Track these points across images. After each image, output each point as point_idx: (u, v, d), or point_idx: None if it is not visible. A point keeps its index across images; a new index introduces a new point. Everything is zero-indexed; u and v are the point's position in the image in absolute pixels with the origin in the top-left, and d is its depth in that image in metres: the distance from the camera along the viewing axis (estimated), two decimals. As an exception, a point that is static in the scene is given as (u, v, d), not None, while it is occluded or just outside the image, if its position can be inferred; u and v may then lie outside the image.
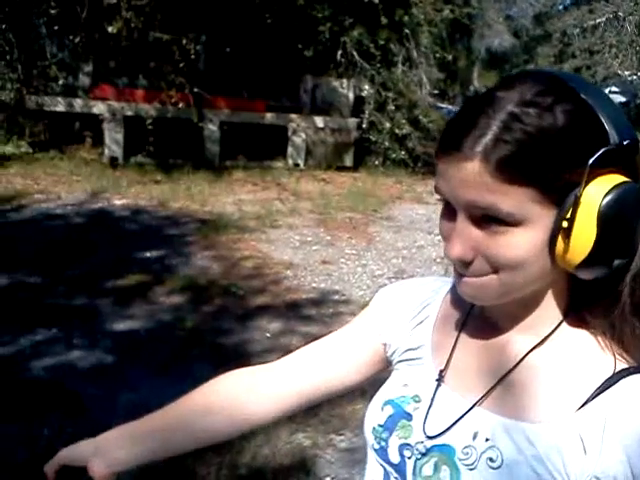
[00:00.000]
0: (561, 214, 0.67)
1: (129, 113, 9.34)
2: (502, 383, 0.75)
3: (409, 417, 0.81)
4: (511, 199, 0.66)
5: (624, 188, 0.66)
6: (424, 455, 0.78)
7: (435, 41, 11.17)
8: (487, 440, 0.73)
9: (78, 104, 9.62)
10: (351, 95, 11.03)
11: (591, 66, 15.66)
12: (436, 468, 0.76)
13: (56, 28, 9.21)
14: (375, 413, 0.85)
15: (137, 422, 0.95)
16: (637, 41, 14.50)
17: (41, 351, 3.56)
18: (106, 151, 9.30)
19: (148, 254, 5.45)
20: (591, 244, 0.66)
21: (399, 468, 0.81)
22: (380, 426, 0.83)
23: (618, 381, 0.69)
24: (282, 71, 10.75)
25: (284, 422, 2.78)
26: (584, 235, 0.67)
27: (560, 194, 0.66)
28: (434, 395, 0.80)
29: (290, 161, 10.31)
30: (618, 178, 0.67)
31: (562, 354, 0.74)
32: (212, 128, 9.87)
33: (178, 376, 3.41)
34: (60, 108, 9.61)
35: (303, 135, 10.30)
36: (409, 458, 0.80)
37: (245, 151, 10.07)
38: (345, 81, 11.01)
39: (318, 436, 2.92)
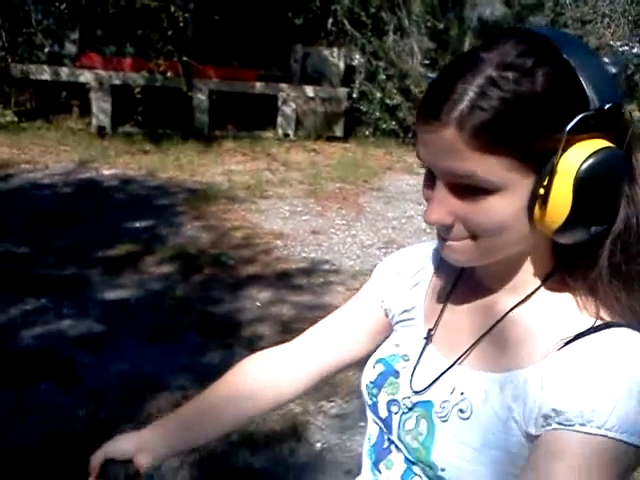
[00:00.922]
0: (539, 181, 0.66)
1: (117, 82, 9.20)
2: (483, 340, 0.78)
3: (397, 374, 0.85)
4: (488, 167, 0.66)
5: (603, 154, 0.66)
6: (410, 410, 0.81)
7: (427, 10, 11.05)
8: (462, 394, 0.76)
9: (64, 73, 9.46)
10: (342, 64, 10.92)
11: (583, 36, 15.54)
12: (417, 422, 0.79)
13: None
14: (368, 371, 0.89)
15: (173, 415, 1.02)
16: (629, 11, 14.39)
17: (31, 320, 3.55)
18: (94, 120, 9.18)
19: (137, 224, 5.42)
20: (567, 211, 0.66)
21: (387, 423, 0.84)
22: (371, 383, 0.87)
23: (591, 333, 0.69)
24: (272, 40, 10.61)
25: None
26: (560, 203, 0.66)
27: (538, 161, 0.66)
28: (421, 353, 0.83)
29: (280, 131, 10.23)
30: (598, 144, 0.66)
31: (541, 313, 0.75)
32: (201, 97, 9.76)
33: (169, 344, 3.43)
34: (46, 77, 9.45)
35: (293, 105, 10.21)
36: (396, 413, 0.83)
37: (235, 121, 9.98)
38: (336, 50, 10.89)
39: (309, 403, 2.95)
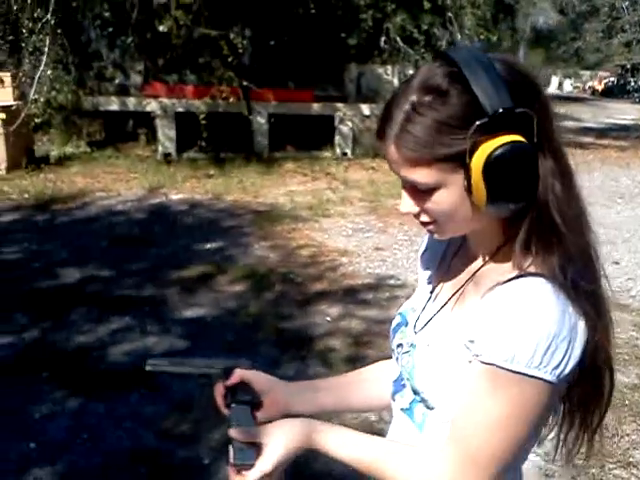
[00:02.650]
0: (464, 175, 0.86)
1: (180, 109, 9.61)
2: (460, 290, 1.00)
3: (406, 323, 1.08)
4: (423, 175, 0.87)
5: (501, 151, 0.83)
6: (408, 349, 1.03)
7: (478, 23, 11.07)
8: (434, 330, 1.00)
9: (131, 102, 9.95)
10: (396, 81, 11.06)
11: (642, 40, 15.24)
12: (409, 358, 1.02)
13: (110, 30, 9.50)
14: (392, 322, 1.12)
15: (319, 380, 1.21)
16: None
17: (117, 338, 3.79)
18: (160, 147, 9.60)
19: (208, 245, 5.66)
20: (484, 194, 0.85)
21: (398, 361, 1.07)
22: (392, 330, 1.11)
23: (510, 281, 0.88)
24: (327, 60, 10.85)
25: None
26: (478, 189, 0.85)
27: (460, 160, 0.85)
28: (425, 306, 1.07)
29: (338, 150, 10.43)
30: (501, 140, 0.83)
31: (494, 270, 0.94)
32: (260, 121, 10.06)
33: (246, 357, 3.59)
34: (114, 107, 9.96)
35: (350, 124, 10.40)
36: (402, 353, 1.05)
37: (294, 142, 10.24)
38: (389, 67, 11.05)
39: (384, 412, 3.05)
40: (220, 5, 9.33)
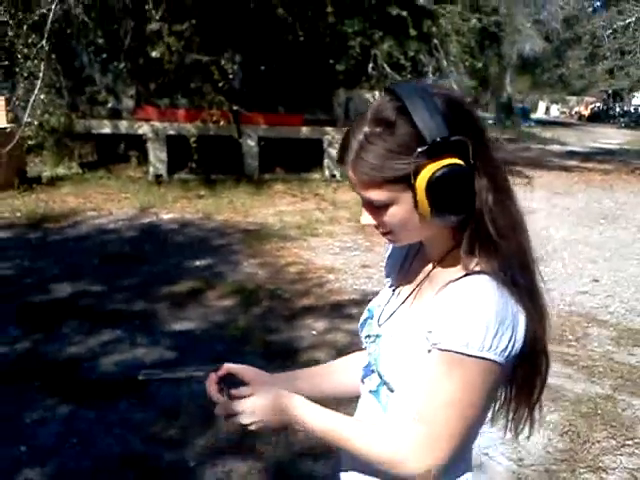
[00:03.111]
0: (412, 194, 1.00)
1: (171, 132, 9.78)
2: (417, 289, 1.15)
3: (372, 317, 1.22)
4: (376, 194, 1.01)
5: (441, 172, 0.97)
6: (375, 339, 1.17)
7: (464, 50, 11.36)
8: (396, 322, 1.14)
9: (123, 126, 10.11)
10: (384, 106, 11.28)
11: (624, 66, 15.62)
12: (375, 345, 1.16)
13: (104, 56, 9.70)
14: (361, 317, 1.25)
15: (297, 371, 1.34)
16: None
17: (108, 349, 3.89)
18: (151, 169, 9.75)
19: (198, 263, 5.78)
20: (428, 211, 0.99)
21: (367, 350, 1.20)
22: (360, 325, 1.24)
23: (460, 279, 1.02)
24: (316, 86, 11.09)
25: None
26: (423, 204, 0.99)
27: (407, 181, 0.99)
28: (387, 302, 1.21)
29: (327, 172, 10.61)
30: (439, 164, 0.97)
31: (446, 270, 1.08)
32: (250, 144, 10.25)
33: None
34: (106, 130, 10.12)
35: (338, 147, 10.59)
36: (369, 343, 1.19)
37: (283, 164, 10.42)
38: (377, 93, 11.27)
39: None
40: (211, 32, 9.55)
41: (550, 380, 3.43)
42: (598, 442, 3.16)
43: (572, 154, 17.85)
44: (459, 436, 1.02)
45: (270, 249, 6.38)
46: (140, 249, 6.08)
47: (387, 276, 1.27)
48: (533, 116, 34.38)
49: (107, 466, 2.76)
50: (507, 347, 0.99)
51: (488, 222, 1.01)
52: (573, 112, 43.91)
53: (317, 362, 3.79)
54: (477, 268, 1.02)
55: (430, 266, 1.14)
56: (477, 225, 1.02)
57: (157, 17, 8.77)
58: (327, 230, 7.29)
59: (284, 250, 6.37)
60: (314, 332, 4.33)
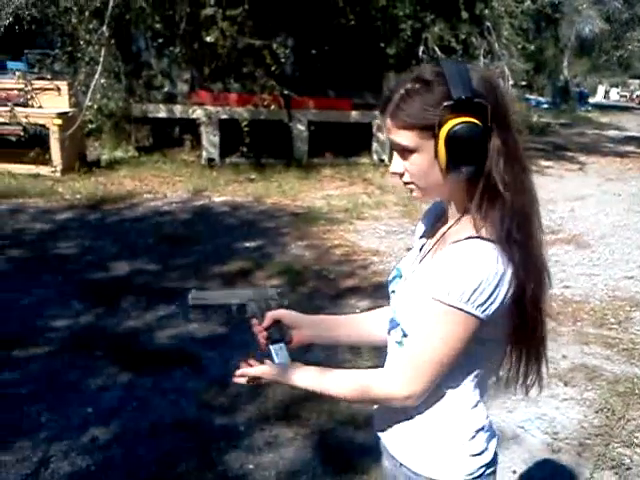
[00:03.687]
0: (434, 143, 1.17)
1: (224, 116, 10.02)
2: (434, 247, 1.32)
3: (400, 275, 1.39)
4: (406, 138, 1.20)
5: (460, 126, 1.14)
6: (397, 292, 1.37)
7: (517, 32, 11.21)
8: (412, 279, 1.32)
9: (178, 110, 10.40)
10: (434, 90, 11.26)
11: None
12: (394, 296, 1.36)
13: (161, 41, 9.98)
14: (390, 275, 1.44)
15: (334, 317, 1.56)
16: None
17: (163, 324, 4.15)
18: (204, 153, 10.02)
19: (247, 244, 6.01)
20: (445, 159, 1.16)
21: (391, 305, 1.38)
22: (389, 281, 1.43)
23: (458, 242, 1.19)
24: (366, 69, 11.13)
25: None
26: (442, 153, 1.16)
27: (432, 130, 1.16)
28: (414, 260, 1.38)
29: (375, 157, 10.70)
30: (461, 119, 1.14)
31: (456, 232, 1.24)
32: (300, 128, 10.40)
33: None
34: (162, 114, 10.43)
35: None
36: (393, 297, 1.38)
37: (332, 148, 10.54)
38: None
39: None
40: (264, 16, 9.71)
41: (588, 360, 3.59)
42: (633, 420, 3.25)
43: (629, 139, 17.39)
44: (434, 369, 1.21)
45: (317, 232, 6.56)
46: (193, 230, 6.35)
47: (417, 237, 1.44)
48: (591, 100, 33.42)
49: (164, 428, 3.01)
50: (485, 303, 1.15)
51: (497, 179, 1.17)
52: (634, 96, 42.45)
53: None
54: (482, 233, 1.18)
55: (445, 228, 1.30)
56: (487, 181, 1.18)
57: (211, 2, 8.98)
58: (373, 214, 7.42)
59: (330, 233, 6.54)
60: (357, 310, 4.49)
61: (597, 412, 3.33)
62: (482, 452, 1.31)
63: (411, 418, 1.31)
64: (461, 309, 1.16)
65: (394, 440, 1.38)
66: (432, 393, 1.25)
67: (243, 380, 1.37)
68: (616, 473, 2.84)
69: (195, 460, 2.79)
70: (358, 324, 1.55)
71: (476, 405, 1.30)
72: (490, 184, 1.18)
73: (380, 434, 1.42)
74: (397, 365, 1.26)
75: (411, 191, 1.28)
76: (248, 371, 1.35)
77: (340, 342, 1.55)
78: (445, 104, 1.14)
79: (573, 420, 3.25)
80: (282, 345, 1.39)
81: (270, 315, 1.42)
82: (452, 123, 1.14)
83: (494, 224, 1.18)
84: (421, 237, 1.42)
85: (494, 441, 1.34)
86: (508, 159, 1.18)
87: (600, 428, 3.18)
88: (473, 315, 1.16)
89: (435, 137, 1.16)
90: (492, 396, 3.25)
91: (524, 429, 3.16)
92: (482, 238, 1.17)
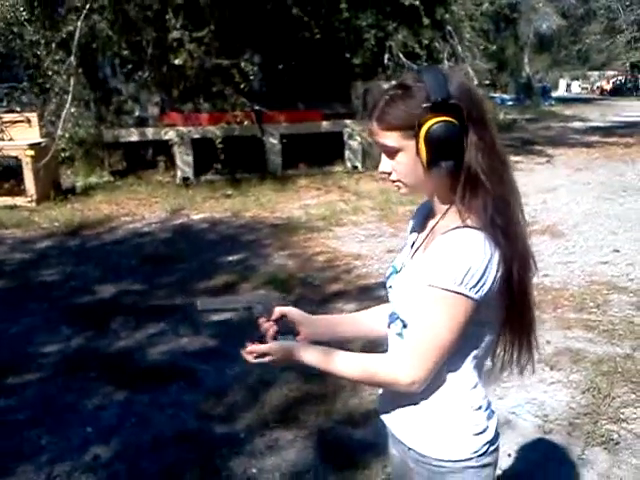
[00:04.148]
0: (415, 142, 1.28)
1: (196, 136, 10.08)
2: (423, 243, 1.41)
3: (396, 272, 1.47)
4: (390, 139, 1.30)
5: (437, 125, 1.25)
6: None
7: (478, 34, 11.45)
8: (407, 272, 1.41)
9: (150, 132, 10.45)
10: (401, 95, 11.42)
11: (641, 38, 15.49)
12: (392, 290, 1.44)
13: (129, 67, 10.02)
14: (387, 272, 1.50)
15: (337, 316, 1.71)
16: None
17: (155, 341, 4.19)
18: (178, 172, 10.07)
19: (230, 258, 6.06)
20: (425, 155, 1.27)
21: (389, 299, 1.47)
22: (386, 277, 1.49)
23: (447, 232, 1.29)
24: (333, 80, 11.27)
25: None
26: (422, 150, 1.27)
27: (414, 130, 1.27)
28: (407, 255, 1.46)
29: (349, 164, 10.83)
30: (437, 119, 1.25)
31: (444, 225, 1.33)
32: (273, 141, 10.50)
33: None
34: (134, 138, 10.48)
35: (358, 138, 10.79)
36: (391, 292, 1.46)
37: (306, 159, 10.65)
38: (394, 83, 11.44)
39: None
40: (230, 35, 9.82)
41: (571, 344, 3.70)
42: (619, 397, 3.36)
43: (594, 130, 17.78)
44: (437, 354, 1.29)
45: (298, 241, 6.63)
46: (175, 248, 6.39)
47: (411, 232, 1.52)
48: (554, 94, 34.05)
49: (165, 441, 3.05)
50: (478, 284, 1.25)
51: (478, 170, 1.27)
52: (595, 87, 43.36)
53: (348, 341, 4.06)
54: (468, 222, 1.28)
55: (433, 222, 1.39)
56: (467, 174, 1.28)
57: (177, 26, 9.06)
58: (352, 220, 7.52)
59: (311, 241, 6.63)
60: (345, 314, 4.56)
61: (584, 392, 3.43)
62: (484, 430, 1.39)
63: (415, 402, 1.39)
64: (456, 291, 1.24)
65: (400, 424, 1.45)
66: (434, 376, 1.33)
67: (251, 357, 1.43)
68: (605, 448, 2.94)
69: (199, 469, 2.84)
70: (360, 321, 1.63)
71: (475, 386, 1.38)
72: (471, 176, 1.28)
73: (385, 419, 1.49)
74: (401, 352, 1.33)
75: (399, 188, 1.37)
76: (257, 348, 1.42)
77: (343, 339, 1.62)
78: (424, 106, 1.25)
79: (562, 402, 3.36)
80: (291, 337, 1.48)
81: (278, 310, 1.50)
82: (430, 123, 1.24)
83: (478, 213, 1.28)
84: (411, 233, 1.51)
85: (494, 419, 1.43)
86: (485, 153, 1.29)
87: (588, 407, 3.29)
88: (467, 296, 1.25)
89: (416, 136, 1.26)
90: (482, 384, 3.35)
91: (515, 414, 3.25)
92: (468, 227, 1.27)
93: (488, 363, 1.45)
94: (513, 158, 11.82)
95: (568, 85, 44.32)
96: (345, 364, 1.36)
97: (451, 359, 1.32)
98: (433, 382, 1.34)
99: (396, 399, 1.42)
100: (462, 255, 1.24)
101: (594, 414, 3.21)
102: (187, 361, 3.88)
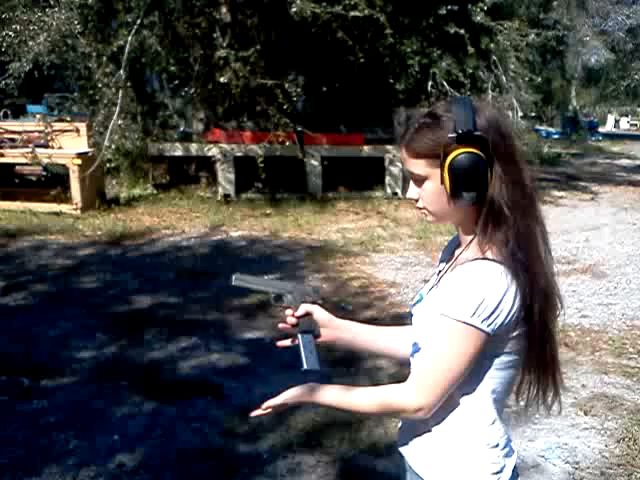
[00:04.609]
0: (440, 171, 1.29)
1: (239, 154, 10.23)
2: (448, 271, 1.39)
3: (421, 300, 1.46)
4: (418, 167, 1.32)
5: (462, 156, 1.25)
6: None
7: (523, 65, 11.39)
8: (427, 301, 1.41)
9: (194, 148, 10.65)
10: (444, 123, 11.42)
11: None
12: (414, 319, 1.44)
13: (176, 82, 10.27)
14: (413, 299, 1.51)
15: (361, 325, 1.63)
16: None
17: (186, 354, 4.23)
18: (220, 189, 10.22)
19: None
20: (449, 185, 1.27)
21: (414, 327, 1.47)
22: (411, 305, 1.52)
23: (464, 264, 1.29)
24: (376, 105, 11.35)
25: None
26: (446, 181, 1.27)
27: (440, 161, 1.28)
28: (431, 287, 1.45)
29: (389, 190, 10.83)
30: (462, 150, 1.25)
31: (465, 255, 1.34)
32: (314, 163, 10.59)
33: (302, 373, 3.97)
34: (178, 152, 10.68)
35: (399, 165, 10.81)
36: (412, 321, 1.46)
37: (345, 182, 10.70)
38: (425, 111, 11.43)
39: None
40: (275, 56, 10.00)
41: (608, 390, 3.62)
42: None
43: (640, 168, 17.45)
44: (445, 383, 1.28)
45: (333, 264, 6.65)
46: (212, 264, 6.46)
47: (440, 262, 1.52)
48: (601, 130, 33.60)
49: (188, 455, 3.07)
50: (491, 316, 1.23)
51: (499, 203, 1.27)
52: (643, 124, 42.56)
53: (379, 370, 4.05)
54: (487, 254, 1.28)
55: (459, 251, 1.40)
56: (490, 206, 1.28)
57: (224, 44, 9.27)
58: (389, 246, 7.51)
59: (347, 265, 6.63)
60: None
61: (618, 442, 3.33)
62: (501, 469, 1.36)
63: (432, 435, 1.38)
64: (467, 323, 1.24)
65: (416, 457, 1.44)
66: (451, 409, 1.33)
67: (270, 410, 1.46)
68: (638, 500, 2.86)
69: (221, 486, 2.85)
70: (380, 336, 1.64)
71: (493, 422, 1.36)
72: (493, 209, 1.28)
73: (403, 451, 1.48)
74: (410, 378, 1.33)
75: (425, 215, 1.38)
76: (273, 401, 1.45)
77: (364, 349, 1.64)
78: (450, 136, 1.26)
79: (594, 449, 3.26)
80: (310, 337, 1.50)
81: (304, 307, 1.53)
82: (455, 153, 1.25)
83: (498, 246, 1.27)
84: (440, 263, 1.52)
85: (512, 459, 1.40)
86: (510, 186, 1.28)
87: (622, 457, 3.19)
88: (479, 329, 1.24)
89: (442, 166, 1.27)
90: (513, 425, 3.29)
91: (545, 458, 3.18)
92: (487, 259, 1.27)
93: (513, 401, 1.43)
94: (556, 193, 11.70)
95: (616, 121, 43.63)
96: (363, 399, 1.37)
97: (468, 391, 1.32)
98: (449, 413, 1.33)
99: (414, 431, 1.42)
100: (476, 286, 1.24)
101: (628, 465, 3.12)
102: (216, 377, 3.91)
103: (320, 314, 1.55)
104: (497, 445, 1.36)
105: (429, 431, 1.38)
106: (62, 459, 3.00)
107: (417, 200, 1.36)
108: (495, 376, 1.32)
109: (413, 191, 1.36)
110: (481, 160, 1.26)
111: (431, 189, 1.32)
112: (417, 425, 1.39)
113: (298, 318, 1.51)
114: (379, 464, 3.04)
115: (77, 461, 2.99)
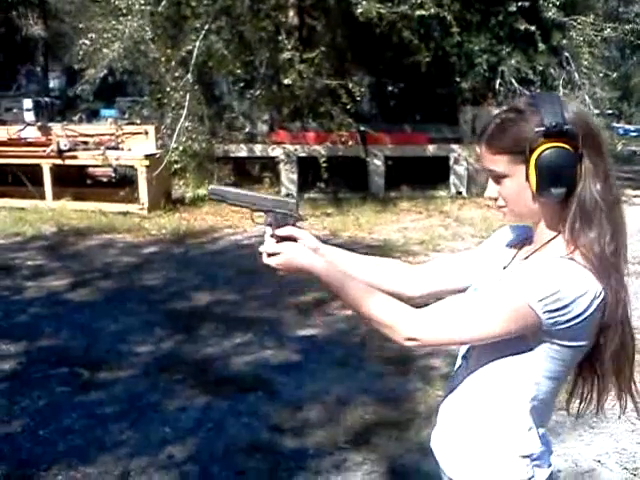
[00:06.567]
0: (525, 167, 1.23)
1: (302, 154, 10.29)
2: (520, 264, 1.32)
3: (475, 290, 1.40)
4: (499, 165, 1.27)
5: (550, 151, 1.20)
6: None
7: (598, 61, 10.97)
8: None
9: (258, 149, 10.79)
10: (512, 122, 11.14)
11: None
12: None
13: (241, 85, 10.43)
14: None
15: (344, 252, 1.59)
16: None
17: (240, 350, 4.29)
18: (283, 189, 10.30)
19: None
20: (535, 182, 1.22)
21: None
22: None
23: (545, 257, 1.23)
24: (441, 103, 11.19)
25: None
26: (532, 176, 1.22)
27: (524, 156, 1.23)
28: (491, 278, 1.37)
29: (453, 189, 10.65)
30: (551, 144, 1.20)
31: (546, 252, 1.27)
32: (377, 163, 10.54)
33: (353, 370, 3.96)
34: (243, 153, 10.85)
35: (465, 164, 10.62)
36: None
37: (409, 181, 10.59)
38: (505, 107, 11.17)
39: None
40: (339, 57, 10.01)
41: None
42: None
43: None
44: (455, 335, 1.24)
45: (393, 263, 6.57)
46: (271, 263, 6.51)
47: (495, 255, 1.44)
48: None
49: (237, 449, 3.10)
50: (556, 311, 1.17)
51: (590, 200, 1.21)
52: None
53: (432, 369, 3.98)
54: (576, 256, 1.21)
55: (533, 248, 1.33)
56: (581, 205, 1.22)
57: (289, 46, 9.34)
58: (449, 246, 7.38)
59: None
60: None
61: (683, 447, 3.17)
62: (530, 479, 1.31)
63: (465, 438, 1.35)
64: (530, 305, 1.18)
65: (447, 456, 1.41)
66: (488, 413, 1.30)
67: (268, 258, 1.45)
68: None
69: (266, 480, 2.87)
70: (365, 269, 1.55)
71: (529, 430, 1.30)
72: (584, 207, 1.22)
73: (435, 452, 1.45)
74: (427, 308, 1.27)
75: (504, 215, 1.33)
76: (271, 248, 1.44)
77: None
78: (537, 130, 1.21)
79: (656, 455, 3.11)
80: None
81: (290, 230, 1.46)
82: (542, 148, 1.20)
83: (587, 247, 1.21)
84: (496, 256, 1.43)
85: (544, 471, 1.33)
86: (600, 182, 1.23)
87: (686, 464, 3.02)
88: (536, 313, 1.18)
89: (526, 162, 1.22)
90: (569, 428, 3.18)
91: (600, 463, 3.04)
92: (574, 260, 1.20)
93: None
94: (631, 192, 11.20)
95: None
96: (366, 295, 1.31)
97: (509, 396, 1.27)
98: (485, 417, 1.30)
99: (448, 431, 1.39)
100: (555, 279, 1.17)
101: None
102: (268, 373, 3.93)
103: (308, 241, 1.48)
104: (530, 455, 1.30)
105: (463, 434, 1.36)
106: (115, 449, 3.09)
107: (496, 199, 1.31)
108: (542, 383, 1.27)
109: (492, 189, 1.30)
110: (570, 155, 1.21)
111: (513, 186, 1.26)
112: (452, 427, 1.37)
113: (281, 239, 1.45)
114: (425, 464, 2.96)
115: (130, 451, 3.07)
